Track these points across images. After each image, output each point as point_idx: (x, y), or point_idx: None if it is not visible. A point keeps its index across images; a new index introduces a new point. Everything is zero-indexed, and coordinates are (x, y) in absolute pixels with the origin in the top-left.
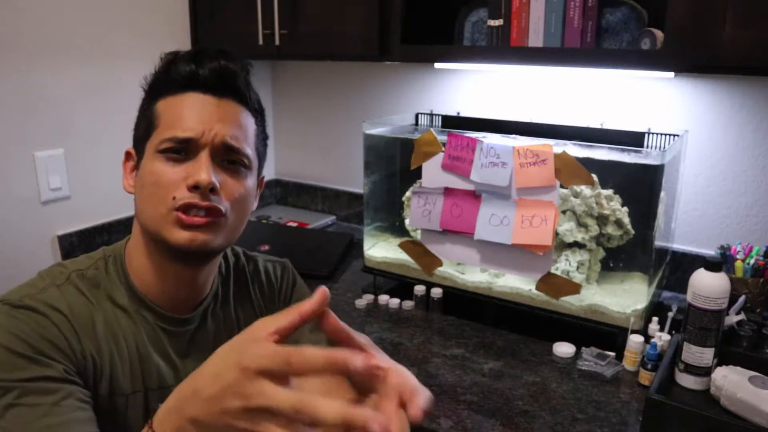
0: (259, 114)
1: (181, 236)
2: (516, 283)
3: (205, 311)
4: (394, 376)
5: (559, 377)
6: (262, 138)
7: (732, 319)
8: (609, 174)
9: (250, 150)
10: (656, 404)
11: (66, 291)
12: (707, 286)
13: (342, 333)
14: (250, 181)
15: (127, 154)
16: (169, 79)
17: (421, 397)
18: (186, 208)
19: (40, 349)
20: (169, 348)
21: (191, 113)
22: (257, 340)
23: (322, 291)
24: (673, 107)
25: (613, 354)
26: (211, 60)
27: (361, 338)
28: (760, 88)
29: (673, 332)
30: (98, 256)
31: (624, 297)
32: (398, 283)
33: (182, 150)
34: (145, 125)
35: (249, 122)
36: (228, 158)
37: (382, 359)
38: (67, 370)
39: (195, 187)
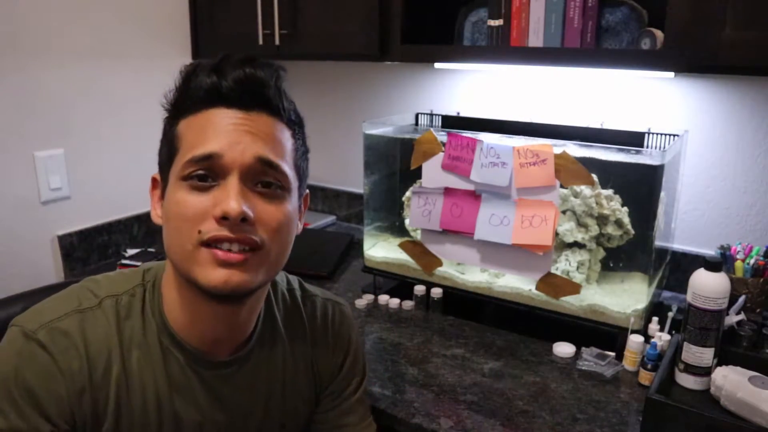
0: (296, 125)
1: (214, 276)
2: (516, 283)
3: (248, 354)
4: None
5: (559, 377)
6: (302, 152)
7: (732, 319)
8: (609, 174)
9: (287, 167)
10: (656, 404)
11: (89, 320)
12: (707, 286)
13: None
14: (291, 205)
15: (154, 181)
16: (189, 94)
17: None
18: (214, 243)
19: (34, 399)
20: (199, 393)
21: (214, 130)
22: None
23: None
24: (673, 107)
25: (613, 354)
26: (235, 69)
27: None
28: (760, 88)
29: (673, 332)
30: (137, 281)
31: (624, 297)
32: (398, 283)
33: (208, 176)
34: (167, 149)
35: (285, 135)
36: (262, 180)
37: None
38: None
39: (224, 218)
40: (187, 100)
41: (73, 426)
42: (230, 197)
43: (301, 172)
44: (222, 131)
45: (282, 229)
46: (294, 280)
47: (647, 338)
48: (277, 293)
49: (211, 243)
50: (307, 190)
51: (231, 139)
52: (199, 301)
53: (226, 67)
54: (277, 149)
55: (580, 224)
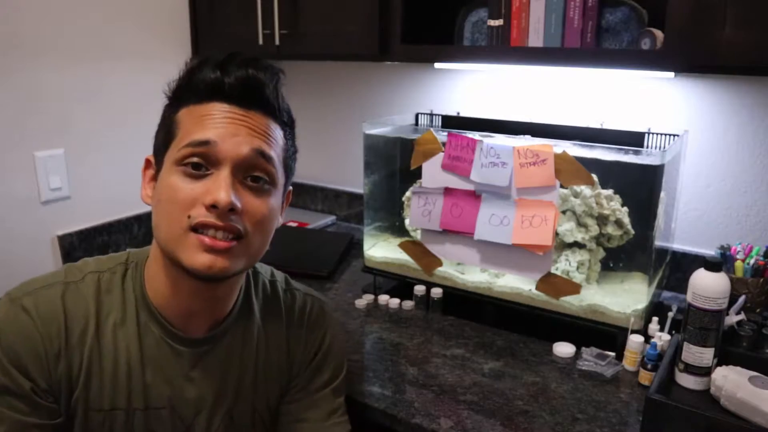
0: (288, 126)
1: (198, 261)
2: (516, 283)
3: (223, 334)
4: None
5: (559, 377)
6: (292, 152)
7: (732, 319)
8: (609, 174)
9: (277, 164)
10: (656, 404)
11: (71, 291)
12: (707, 286)
13: None
14: (275, 200)
15: (147, 162)
16: (192, 86)
17: None
18: (201, 228)
19: (18, 359)
20: (172, 367)
21: (213, 120)
22: None
23: None
24: (673, 107)
25: (613, 354)
26: (238, 68)
27: None
28: (760, 88)
29: (673, 332)
30: (121, 260)
31: (624, 297)
32: (398, 283)
33: (202, 165)
34: (164, 134)
35: (278, 134)
36: (252, 174)
37: None
38: (33, 389)
39: (213, 206)
40: (189, 91)
41: (50, 386)
42: (221, 187)
43: (289, 170)
44: (220, 122)
45: (265, 222)
46: (280, 275)
47: (647, 338)
48: (258, 282)
49: (198, 228)
50: (291, 188)
51: (228, 131)
52: (181, 277)
53: (231, 66)
54: (270, 144)
55: (580, 224)
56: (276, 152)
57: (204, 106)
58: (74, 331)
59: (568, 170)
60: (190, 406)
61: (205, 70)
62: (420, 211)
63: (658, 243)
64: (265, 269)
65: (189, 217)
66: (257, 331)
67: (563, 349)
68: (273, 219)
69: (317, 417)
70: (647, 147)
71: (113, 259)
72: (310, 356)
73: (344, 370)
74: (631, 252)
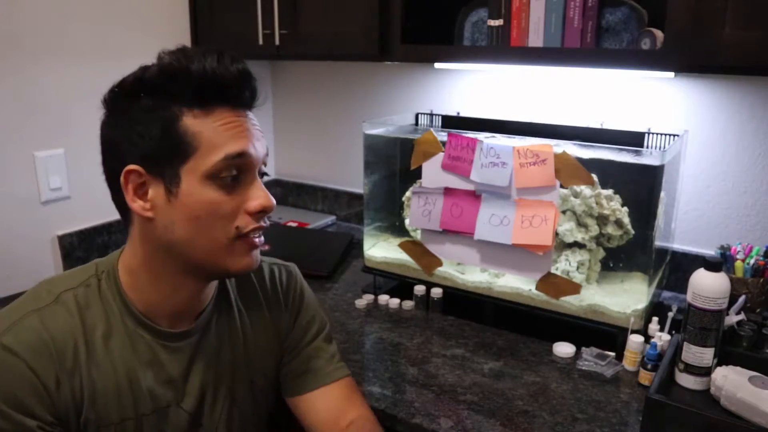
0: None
1: (247, 261)
2: (516, 283)
3: (207, 322)
4: None
5: (559, 377)
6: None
7: (732, 319)
8: (609, 174)
9: None
10: (656, 404)
11: (48, 315)
12: (707, 286)
13: None
14: None
15: (130, 174)
16: (191, 83)
17: None
18: (247, 234)
19: (17, 401)
20: (169, 366)
21: (236, 130)
22: None
23: None
24: (673, 107)
25: (613, 354)
26: (231, 64)
27: None
28: (760, 88)
29: (673, 332)
30: (90, 272)
31: (624, 297)
32: (398, 283)
33: (236, 176)
34: (169, 144)
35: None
36: (261, 171)
37: None
38: (41, 426)
39: (261, 212)
40: (188, 91)
41: (57, 417)
42: (264, 193)
43: None
44: (243, 130)
45: None
46: None
47: (647, 338)
48: None
49: (245, 235)
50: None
51: (251, 137)
52: (182, 279)
53: (225, 61)
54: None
55: (580, 224)
56: None
57: (215, 113)
58: (66, 354)
59: (568, 170)
60: (193, 397)
61: (202, 64)
62: (420, 211)
63: (658, 243)
64: None
65: (237, 227)
66: (238, 312)
67: (563, 349)
68: None
69: (320, 365)
70: (647, 147)
71: (83, 272)
72: (293, 317)
73: (326, 319)
74: (631, 252)
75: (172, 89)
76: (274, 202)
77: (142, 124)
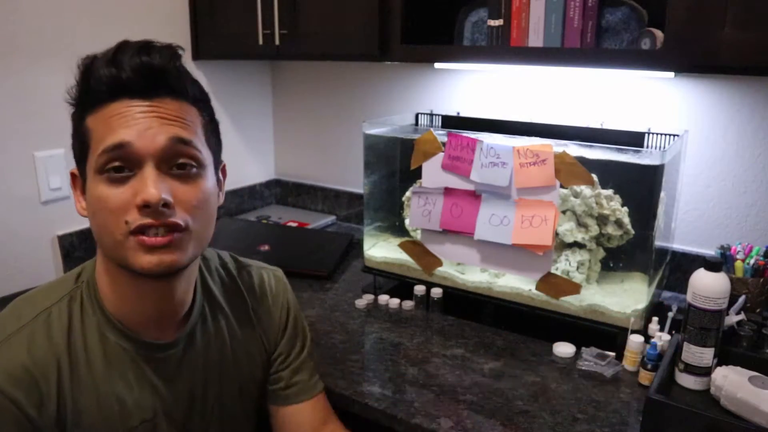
0: (201, 102)
1: (145, 261)
2: (516, 283)
3: (192, 329)
4: None
5: (559, 377)
6: (211, 128)
7: (732, 319)
8: (609, 174)
9: (200, 146)
10: (656, 404)
11: (29, 337)
12: (707, 286)
13: None
14: (209, 181)
15: (73, 177)
16: (91, 89)
17: None
18: (141, 230)
19: None
20: (154, 377)
21: (122, 120)
22: None
23: None
24: (673, 107)
25: (613, 354)
26: (131, 59)
27: None
28: (760, 88)
29: (673, 332)
30: (70, 285)
31: (624, 297)
32: (398, 283)
33: (123, 167)
34: (78, 146)
35: (192, 114)
36: (177, 163)
37: None
38: None
39: (145, 207)
40: (89, 95)
41: None
42: (148, 185)
43: (213, 146)
44: (130, 120)
45: (202, 207)
46: (225, 255)
47: (647, 338)
48: (210, 269)
49: (137, 231)
50: (224, 161)
51: (140, 127)
52: (134, 282)
53: (123, 58)
54: (187, 129)
55: (580, 224)
56: (195, 133)
57: (109, 108)
58: (49, 377)
59: (568, 170)
60: (181, 405)
61: (99, 69)
62: (420, 211)
63: (658, 243)
64: (211, 254)
65: (127, 222)
66: (224, 318)
67: (563, 349)
68: (210, 200)
69: (304, 379)
70: (647, 147)
71: (63, 285)
72: (282, 324)
73: (308, 330)
74: (631, 252)
75: (77, 95)
76: (163, 196)
77: (73, 136)
